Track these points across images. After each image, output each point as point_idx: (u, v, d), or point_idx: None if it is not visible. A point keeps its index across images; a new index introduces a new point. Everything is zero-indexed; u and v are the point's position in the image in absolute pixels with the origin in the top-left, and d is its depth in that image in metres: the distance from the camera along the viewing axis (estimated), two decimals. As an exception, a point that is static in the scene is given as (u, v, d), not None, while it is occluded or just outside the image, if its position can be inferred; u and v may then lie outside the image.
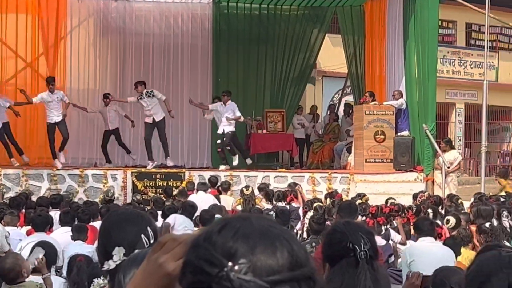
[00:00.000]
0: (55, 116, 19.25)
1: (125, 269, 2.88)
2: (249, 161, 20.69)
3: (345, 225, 3.73)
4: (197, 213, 12.44)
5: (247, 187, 16.40)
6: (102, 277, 3.43)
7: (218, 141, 20.27)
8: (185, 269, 1.66)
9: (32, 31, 22.06)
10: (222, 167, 19.99)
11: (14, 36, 21.96)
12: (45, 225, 10.38)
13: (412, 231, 11.33)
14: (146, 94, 19.90)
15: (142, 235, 3.22)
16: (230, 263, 1.58)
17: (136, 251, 3.12)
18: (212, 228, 1.66)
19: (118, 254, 3.14)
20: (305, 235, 10.50)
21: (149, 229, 3.28)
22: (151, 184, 18.89)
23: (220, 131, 20.29)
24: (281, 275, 1.59)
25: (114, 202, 15.62)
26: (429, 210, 12.62)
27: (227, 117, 20.12)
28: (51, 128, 19.34)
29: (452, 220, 10.74)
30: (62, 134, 19.37)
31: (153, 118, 19.94)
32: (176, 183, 18.77)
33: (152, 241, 3.26)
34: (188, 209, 12.64)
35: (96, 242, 3.39)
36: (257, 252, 1.60)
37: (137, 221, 3.30)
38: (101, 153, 21.17)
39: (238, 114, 20.33)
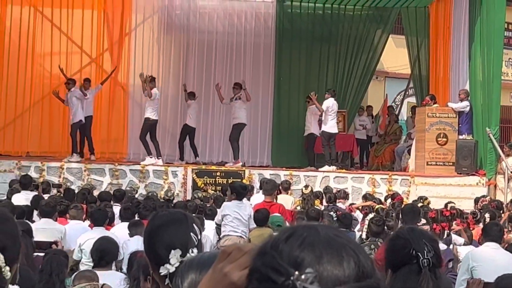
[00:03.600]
0: (148, 113, 19.52)
1: (183, 273, 2.89)
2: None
3: (408, 232, 3.70)
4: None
5: (306, 186, 16.39)
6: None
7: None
8: (251, 276, 1.67)
9: (98, 27, 22.38)
10: (328, 167, 19.99)
11: (80, 32, 22.27)
12: (104, 219, 10.47)
13: (474, 236, 11.23)
14: (235, 98, 20.10)
15: (191, 233, 3.24)
16: (296, 272, 1.58)
17: (191, 254, 3.14)
18: (279, 236, 1.67)
19: (175, 256, 3.15)
20: (364, 236, 10.44)
21: (194, 226, 3.30)
22: (211, 181, 18.95)
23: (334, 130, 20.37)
24: (348, 285, 1.58)
25: (174, 200, 15.67)
26: (486, 215, 12.45)
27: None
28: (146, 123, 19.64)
29: None
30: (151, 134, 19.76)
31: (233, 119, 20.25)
32: (236, 180, 18.78)
33: (199, 237, 3.28)
34: (238, 190, 12.50)
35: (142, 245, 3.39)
36: (323, 262, 1.59)
37: (183, 220, 3.30)
38: (162, 148, 21.40)
39: None
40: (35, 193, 14.21)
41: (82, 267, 9.46)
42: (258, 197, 14.76)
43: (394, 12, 23.74)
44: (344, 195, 16.14)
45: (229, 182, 18.51)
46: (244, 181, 18.54)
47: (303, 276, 1.58)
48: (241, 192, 12.48)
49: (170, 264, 3.14)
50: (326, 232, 1.66)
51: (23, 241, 3.05)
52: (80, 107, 19.33)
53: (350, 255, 1.62)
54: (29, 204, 12.03)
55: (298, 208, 15.22)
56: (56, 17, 22.09)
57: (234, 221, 11.89)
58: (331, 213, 12.98)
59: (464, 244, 10.71)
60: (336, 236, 1.66)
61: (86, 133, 19.90)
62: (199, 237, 3.26)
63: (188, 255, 3.14)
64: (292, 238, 1.65)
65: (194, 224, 3.29)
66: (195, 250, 3.18)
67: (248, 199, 14.69)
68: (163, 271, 3.15)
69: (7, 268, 2.73)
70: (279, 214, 12.35)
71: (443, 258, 8.57)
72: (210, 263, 1.84)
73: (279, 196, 15.63)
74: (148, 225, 3.35)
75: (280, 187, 17.09)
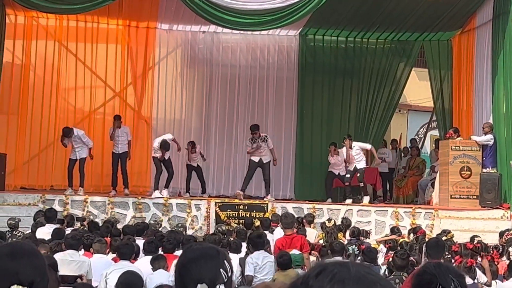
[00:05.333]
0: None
1: None
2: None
3: (435, 267, 3.67)
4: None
5: (329, 219, 16.31)
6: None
7: (348, 176, 20.40)
8: (282, 312, 1.68)
9: (121, 61, 22.56)
10: (348, 201, 20.05)
11: (104, 66, 22.42)
12: (130, 253, 10.47)
13: (500, 271, 11.13)
14: (261, 139, 20.17)
15: (221, 269, 3.24)
16: (327, 308, 1.58)
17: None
18: (309, 273, 1.67)
19: None
20: (386, 270, 10.37)
21: (225, 262, 3.30)
22: (234, 214, 18.92)
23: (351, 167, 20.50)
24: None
25: (198, 233, 15.64)
26: (510, 249, 12.35)
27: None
28: (156, 161, 19.82)
29: None
30: (168, 169, 19.71)
31: (261, 159, 20.20)
32: (259, 214, 18.75)
33: (229, 274, 3.27)
34: (256, 241, 11.97)
35: (173, 277, 3.39)
36: (353, 298, 1.60)
37: (215, 256, 3.31)
38: (185, 182, 21.43)
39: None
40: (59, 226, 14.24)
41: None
42: (277, 232, 14.55)
43: (417, 45, 23.76)
44: (366, 235, 15.87)
45: (252, 215, 18.52)
46: (267, 214, 18.50)
47: (333, 313, 1.58)
48: (259, 241, 12.05)
49: None
50: (357, 269, 1.66)
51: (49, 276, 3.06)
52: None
53: (381, 292, 1.62)
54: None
55: (321, 241, 15.15)
56: (80, 52, 22.28)
57: (266, 267, 11.64)
58: (353, 246, 12.91)
59: (486, 285, 10.58)
60: (367, 274, 1.66)
61: (123, 168, 20.23)
62: (229, 274, 3.25)
63: None
64: (323, 274, 1.65)
65: (225, 261, 3.29)
66: (222, 287, 3.18)
67: (271, 232, 14.66)
68: None
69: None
70: (298, 252, 12.13)
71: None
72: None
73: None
74: (180, 258, 3.37)
75: (304, 220, 17.06)
